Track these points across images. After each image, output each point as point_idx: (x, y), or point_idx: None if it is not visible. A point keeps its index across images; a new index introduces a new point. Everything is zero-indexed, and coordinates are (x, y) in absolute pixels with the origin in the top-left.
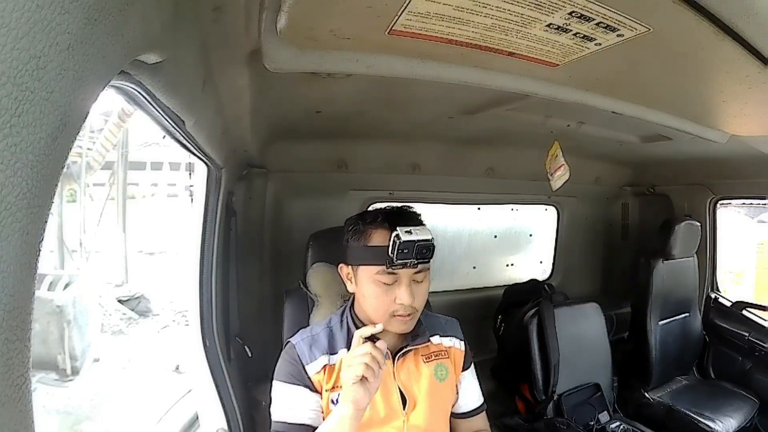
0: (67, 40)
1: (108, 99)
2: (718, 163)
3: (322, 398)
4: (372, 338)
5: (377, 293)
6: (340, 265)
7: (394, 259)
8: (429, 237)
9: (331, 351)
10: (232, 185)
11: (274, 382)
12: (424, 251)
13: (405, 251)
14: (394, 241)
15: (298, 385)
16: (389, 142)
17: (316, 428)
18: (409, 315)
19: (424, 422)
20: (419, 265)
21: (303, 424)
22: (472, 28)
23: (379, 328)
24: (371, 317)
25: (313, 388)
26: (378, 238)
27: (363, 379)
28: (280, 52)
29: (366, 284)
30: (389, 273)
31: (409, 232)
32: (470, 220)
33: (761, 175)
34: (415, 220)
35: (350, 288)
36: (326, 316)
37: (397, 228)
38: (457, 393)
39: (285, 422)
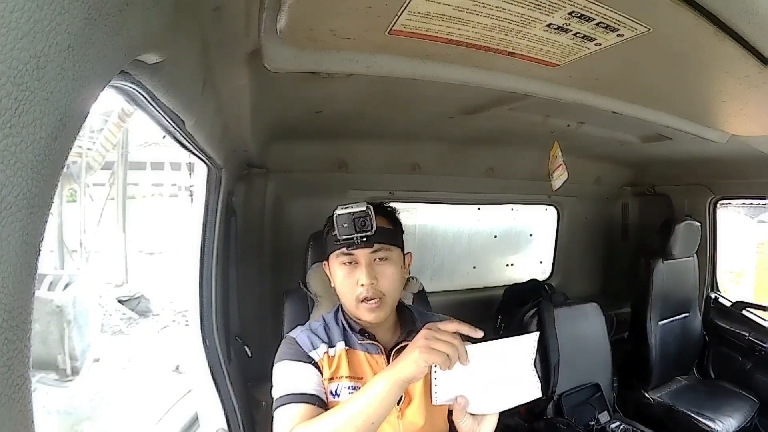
0: (67, 40)
1: (108, 99)
2: (718, 163)
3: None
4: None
5: (341, 277)
6: (324, 262)
7: (339, 236)
8: (363, 209)
9: (330, 343)
10: (232, 185)
11: (276, 365)
12: (362, 223)
13: (345, 225)
14: (333, 218)
15: (303, 362)
16: (389, 142)
17: (321, 399)
18: (376, 301)
19: (420, 418)
20: (375, 244)
21: (308, 394)
22: (472, 28)
23: (479, 334)
24: (345, 305)
25: (317, 367)
26: None
27: (439, 356)
28: (280, 52)
29: (334, 271)
30: (346, 254)
31: (345, 207)
32: (470, 220)
33: (761, 175)
34: (364, 204)
35: (331, 282)
36: None
37: (337, 207)
38: None
39: (290, 393)
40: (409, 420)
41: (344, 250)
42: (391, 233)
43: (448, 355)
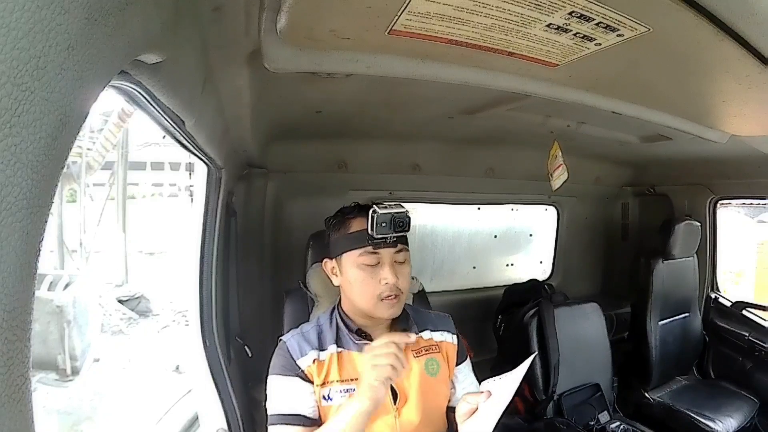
0: (67, 40)
1: (108, 99)
2: (718, 163)
3: (314, 391)
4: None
5: (362, 277)
6: (324, 260)
7: (374, 235)
8: (403, 210)
9: (321, 347)
10: (232, 185)
11: (269, 378)
12: (400, 223)
13: (383, 225)
14: (371, 216)
15: (291, 375)
16: (389, 142)
17: (311, 418)
18: (395, 297)
19: (417, 417)
20: (399, 244)
21: (299, 415)
22: (472, 28)
23: (413, 338)
24: (358, 305)
25: (305, 378)
26: (357, 224)
27: (385, 369)
28: (280, 52)
29: (350, 270)
30: (371, 253)
31: (385, 207)
32: (470, 220)
33: (761, 175)
34: (400, 205)
35: (335, 282)
36: None
37: (374, 205)
38: (454, 387)
39: (280, 414)
40: (406, 419)
41: (370, 248)
42: (407, 234)
43: (392, 365)
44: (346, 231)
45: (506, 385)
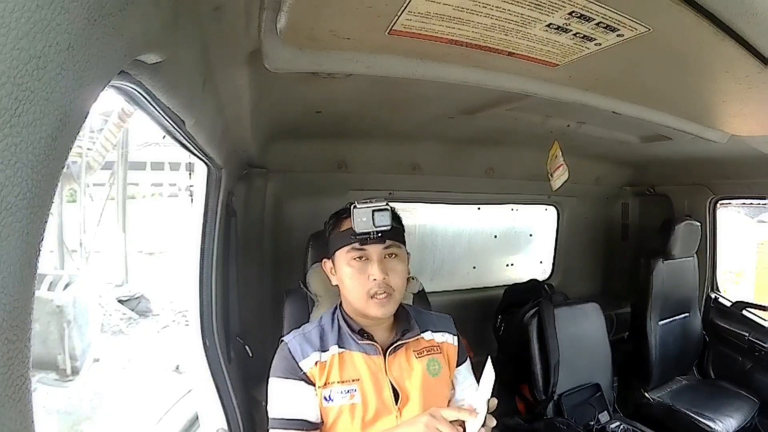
0: (67, 40)
1: (108, 99)
2: (718, 163)
3: (316, 393)
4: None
5: (351, 273)
6: (324, 261)
7: (356, 230)
8: (383, 204)
9: (323, 348)
10: (232, 185)
11: (270, 380)
12: (381, 218)
13: (364, 219)
14: (352, 212)
15: (294, 379)
16: (389, 142)
17: (314, 423)
18: (385, 295)
19: None
20: (387, 240)
21: (301, 419)
22: (472, 28)
23: (478, 416)
24: (352, 302)
25: (308, 381)
26: (347, 222)
27: None
28: (280, 52)
29: (342, 268)
30: (358, 249)
31: (365, 202)
32: (470, 220)
33: (761, 175)
34: (383, 200)
35: (333, 280)
36: None
37: (355, 202)
38: (453, 388)
39: (283, 418)
40: (408, 418)
41: (356, 245)
42: (399, 231)
43: None
44: (338, 230)
45: (480, 398)
